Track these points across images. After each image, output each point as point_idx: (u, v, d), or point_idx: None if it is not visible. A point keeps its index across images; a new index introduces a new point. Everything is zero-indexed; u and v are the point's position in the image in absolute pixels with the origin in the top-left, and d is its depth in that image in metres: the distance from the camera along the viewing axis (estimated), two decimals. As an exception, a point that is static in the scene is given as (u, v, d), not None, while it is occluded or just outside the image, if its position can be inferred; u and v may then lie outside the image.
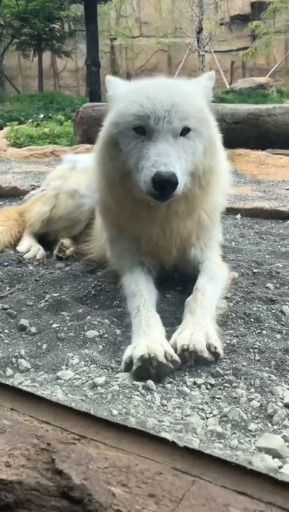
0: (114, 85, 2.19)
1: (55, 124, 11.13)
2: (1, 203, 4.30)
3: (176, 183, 1.82)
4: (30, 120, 12.30)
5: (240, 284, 2.41)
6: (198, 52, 21.62)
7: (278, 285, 2.42)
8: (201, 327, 1.77)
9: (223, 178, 2.30)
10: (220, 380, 1.57)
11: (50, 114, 14.44)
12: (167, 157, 1.85)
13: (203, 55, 21.53)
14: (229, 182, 2.41)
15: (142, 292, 2.02)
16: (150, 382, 1.52)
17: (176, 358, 1.62)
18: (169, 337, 1.77)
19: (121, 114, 2.01)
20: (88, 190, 2.67)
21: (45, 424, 1.01)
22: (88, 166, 2.69)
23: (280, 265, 2.68)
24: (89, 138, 6.33)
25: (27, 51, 24.44)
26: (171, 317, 2.06)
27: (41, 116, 13.85)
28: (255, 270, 2.61)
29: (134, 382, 1.51)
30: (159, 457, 0.91)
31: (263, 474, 0.86)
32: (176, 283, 2.34)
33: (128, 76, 20.75)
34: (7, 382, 1.17)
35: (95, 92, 10.81)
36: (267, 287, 2.40)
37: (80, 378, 1.55)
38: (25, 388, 1.17)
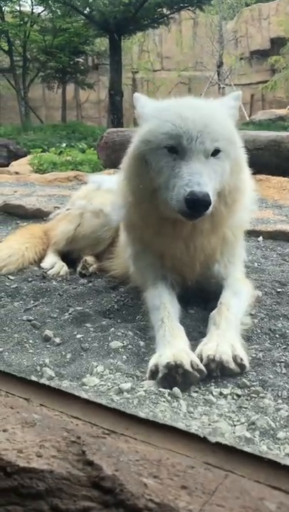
0: (143, 103, 2.20)
1: (77, 152, 11.39)
2: (25, 223, 4.36)
3: (210, 203, 1.82)
4: (53, 148, 12.60)
5: (263, 303, 2.38)
6: (219, 85, 22.10)
7: (304, 304, 2.39)
8: (226, 339, 1.75)
9: (247, 196, 2.31)
10: (246, 391, 1.55)
11: (72, 144, 14.76)
12: (200, 177, 1.85)
13: (223, 88, 21.97)
14: (254, 200, 2.42)
15: (165, 305, 2.01)
16: (176, 390, 1.50)
17: (202, 367, 1.60)
18: (193, 350, 1.76)
19: (153, 133, 2.01)
20: (113, 206, 2.71)
21: (74, 419, 1.01)
22: (113, 187, 2.73)
23: (305, 285, 2.65)
24: (112, 162, 6.43)
25: (51, 83, 25.31)
26: (195, 331, 2.04)
27: (64, 145, 14.16)
28: (279, 290, 2.58)
29: (160, 389, 1.50)
30: (190, 452, 0.90)
31: (298, 471, 0.85)
32: (199, 299, 2.34)
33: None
34: (35, 379, 1.18)
35: (117, 121, 11.06)
36: (292, 306, 2.37)
37: (105, 384, 1.54)
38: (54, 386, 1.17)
